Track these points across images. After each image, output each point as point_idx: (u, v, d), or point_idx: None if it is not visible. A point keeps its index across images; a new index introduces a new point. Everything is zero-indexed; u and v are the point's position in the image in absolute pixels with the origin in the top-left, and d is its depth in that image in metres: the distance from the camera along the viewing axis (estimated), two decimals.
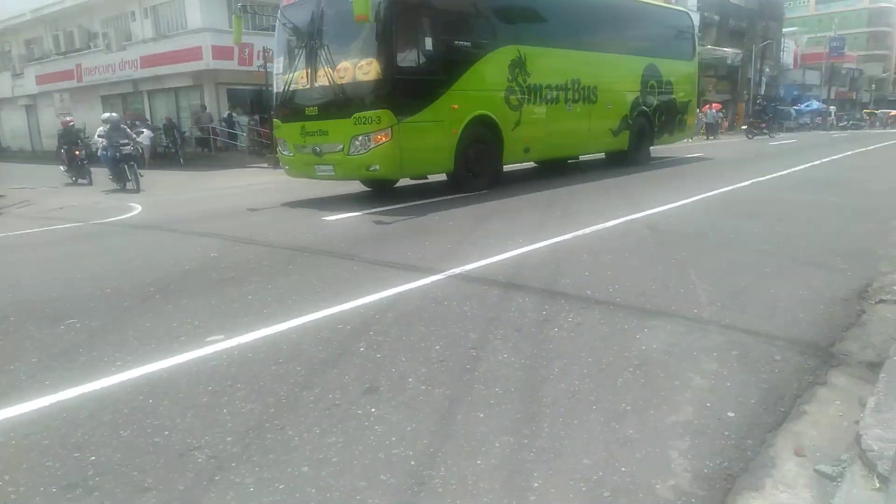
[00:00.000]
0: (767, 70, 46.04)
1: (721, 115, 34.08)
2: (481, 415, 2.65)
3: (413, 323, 3.77)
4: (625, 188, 10.14)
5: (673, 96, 14.51)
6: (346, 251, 5.87)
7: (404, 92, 8.57)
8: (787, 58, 52.55)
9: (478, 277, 4.76)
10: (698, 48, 16.68)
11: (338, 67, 8.71)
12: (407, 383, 2.96)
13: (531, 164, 13.71)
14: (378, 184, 10.66)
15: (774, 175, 11.50)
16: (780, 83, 50.91)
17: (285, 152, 9.83)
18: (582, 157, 14.34)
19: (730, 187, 9.74)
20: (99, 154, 14.02)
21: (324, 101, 8.96)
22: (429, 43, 8.95)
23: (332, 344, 3.48)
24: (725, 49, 38.45)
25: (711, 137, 30.49)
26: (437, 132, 9.04)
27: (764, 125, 29.32)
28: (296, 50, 9.36)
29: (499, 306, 4.06)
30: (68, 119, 17.48)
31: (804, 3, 74.07)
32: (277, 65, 9.97)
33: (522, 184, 10.88)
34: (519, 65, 10.27)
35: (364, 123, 8.48)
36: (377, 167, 8.65)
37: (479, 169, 9.86)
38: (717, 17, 40.58)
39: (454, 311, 3.98)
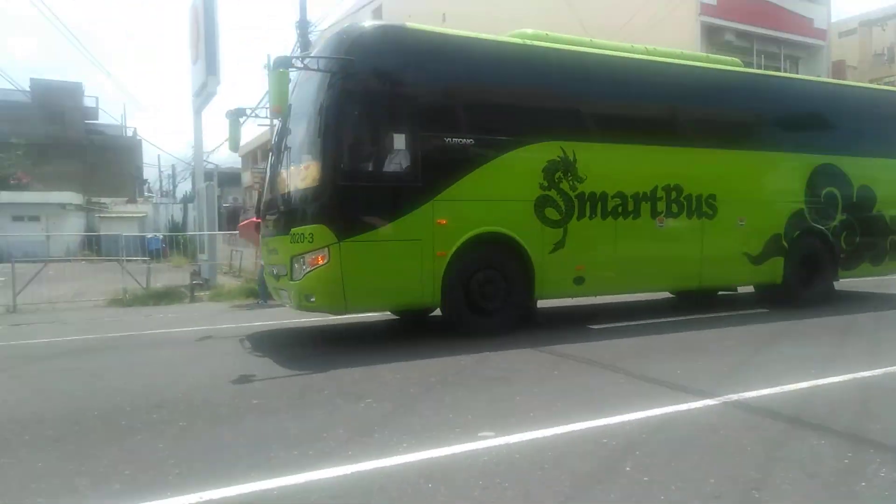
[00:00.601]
0: None
1: None
2: None
3: (684, 449, 3.56)
4: None
5: (876, 209, 10.24)
6: (610, 362, 5.82)
7: (351, 202, 6.65)
8: None
9: (759, 407, 4.32)
10: None
11: (289, 171, 7.27)
12: None
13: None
14: (407, 311, 8.44)
15: None
16: None
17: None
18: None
19: None
20: None
21: (275, 214, 7.49)
22: (400, 141, 6.86)
23: (595, 458, 3.45)
24: None
25: None
26: (408, 255, 6.84)
27: None
28: (270, 151, 8.04)
29: (786, 444, 3.62)
30: None
31: None
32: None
33: (813, 304, 9.62)
34: (564, 167, 7.67)
35: (299, 242, 6.74)
36: (314, 297, 6.76)
37: (489, 304, 7.34)
38: None
39: (731, 442, 3.66)
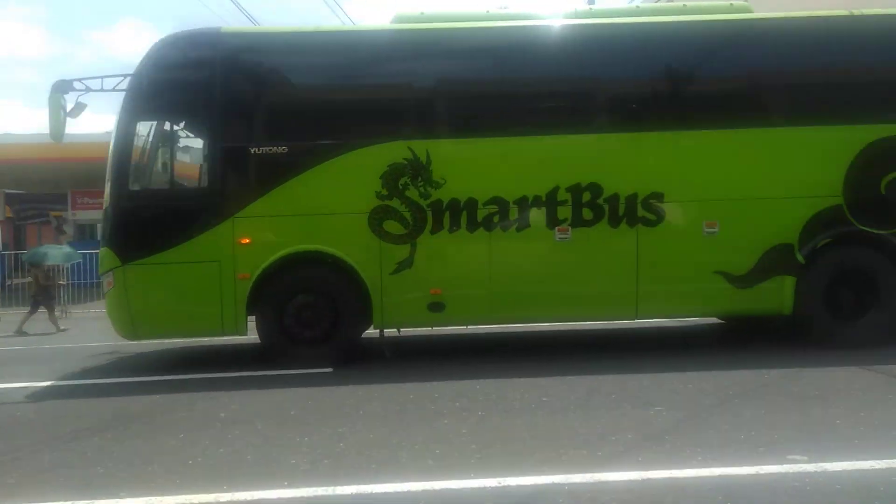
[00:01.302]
0: None
1: None
2: None
3: None
4: None
5: None
6: None
7: (134, 223, 6.41)
8: None
9: None
10: None
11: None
12: None
13: None
14: None
15: None
16: None
17: None
18: None
19: None
20: None
21: None
22: (195, 156, 6.58)
23: None
24: None
25: None
26: (204, 278, 6.32)
27: None
28: None
29: None
30: None
31: None
32: None
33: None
34: (412, 170, 6.38)
35: (100, 264, 6.71)
36: (112, 322, 6.70)
37: (309, 333, 6.47)
38: None
39: None
